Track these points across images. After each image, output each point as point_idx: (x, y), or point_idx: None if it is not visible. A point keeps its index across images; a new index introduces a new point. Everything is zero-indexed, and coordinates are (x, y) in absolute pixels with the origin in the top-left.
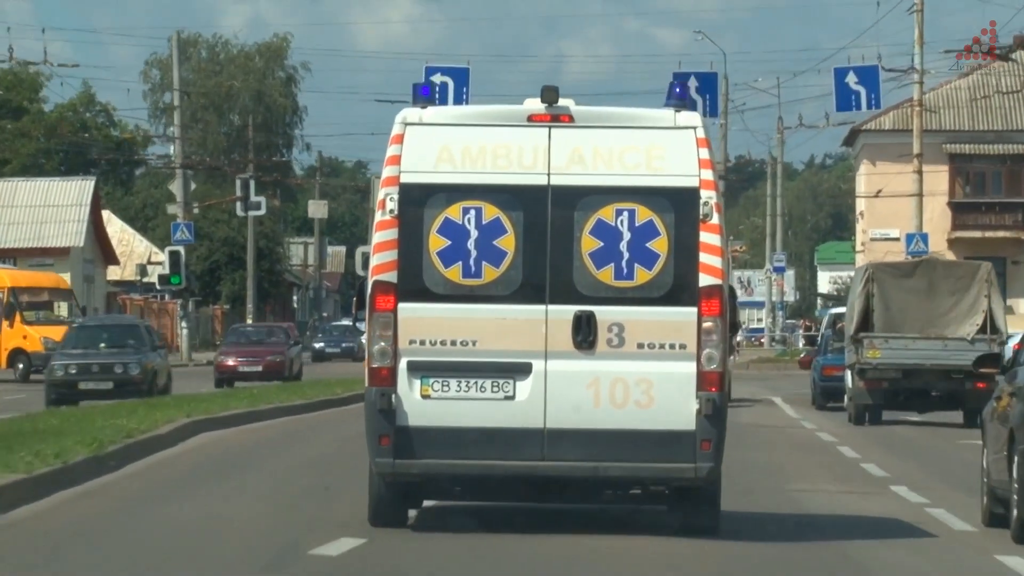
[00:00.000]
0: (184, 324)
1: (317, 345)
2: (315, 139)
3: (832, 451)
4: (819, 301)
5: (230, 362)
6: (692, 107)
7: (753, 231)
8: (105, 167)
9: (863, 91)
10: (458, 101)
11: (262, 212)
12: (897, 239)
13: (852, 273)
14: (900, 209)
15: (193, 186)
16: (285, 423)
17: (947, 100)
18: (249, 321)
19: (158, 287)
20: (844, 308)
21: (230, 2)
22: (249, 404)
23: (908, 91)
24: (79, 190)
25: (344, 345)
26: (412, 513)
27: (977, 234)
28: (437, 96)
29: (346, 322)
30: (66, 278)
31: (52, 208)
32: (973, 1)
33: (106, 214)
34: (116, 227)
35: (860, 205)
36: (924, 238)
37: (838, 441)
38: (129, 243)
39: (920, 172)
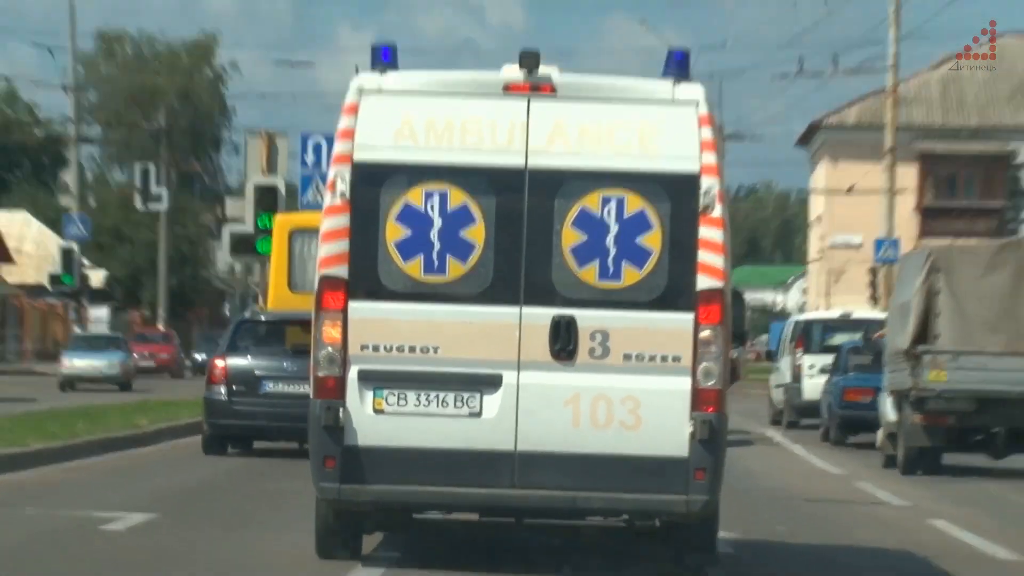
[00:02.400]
0: (77, 329)
1: (200, 356)
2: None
3: None
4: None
5: None
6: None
7: None
8: (29, 168)
9: None
10: None
11: (164, 206)
12: (860, 246)
13: (799, 286)
14: (863, 213)
15: (88, 173)
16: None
17: (917, 93)
18: (160, 328)
19: (49, 288)
20: (804, 315)
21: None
22: None
23: (873, 82)
24: None
25: None
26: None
27: (949, 241)
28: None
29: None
30: None
31: None
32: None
33: (23, 216)
34: (34, 229)
35: (817, 209)
36: (895, 244)
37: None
38: (46, 246)
39: (893, 169)
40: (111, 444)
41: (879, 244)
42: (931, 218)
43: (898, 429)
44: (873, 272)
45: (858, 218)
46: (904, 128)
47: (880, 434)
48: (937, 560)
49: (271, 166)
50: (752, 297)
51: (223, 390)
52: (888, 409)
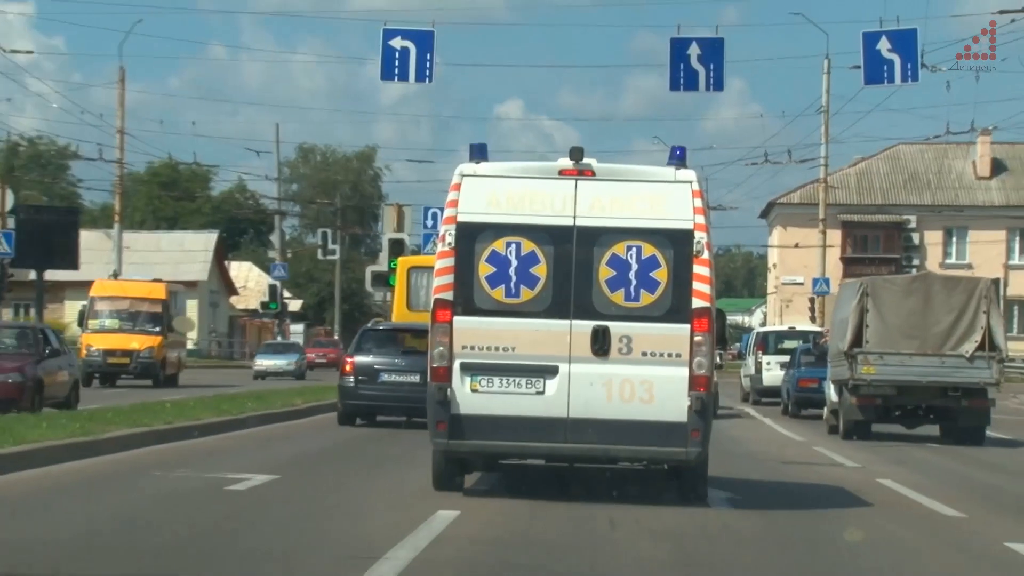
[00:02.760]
0: (280, 339)
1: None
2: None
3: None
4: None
5: None
6: (685, 163)
7: None
8: (252, 233)
9: (897, 59)
10: (421, 68)
11: (336, 257)
12: (802, 284)
13: (759, 319)
14: (804, 263)
15: (288, 236)
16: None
17: (840, 182)
18: (335, 337)
19: (260, 311)
20: (763, 328)
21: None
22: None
23: (811, 174)
24: (206, 240)
25: None
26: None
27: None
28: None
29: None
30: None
31: (186, 252)
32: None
33: (248, 265)
34: (256, 273)
35: (773, 258)
36: (827, 282)
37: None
38: (262, 284)
39: (824, 232)
40: (270, 418)
41: (816, 282)
42: (850, 265)
43: (839, 407)
44: (812, 301)
45: (801, 265)
46: (831, 205)
47: (825, 410)
48: (891, 512)
49: (400, 226)
50: (729, 319)
51: (352, 379)
52: (831, 393)
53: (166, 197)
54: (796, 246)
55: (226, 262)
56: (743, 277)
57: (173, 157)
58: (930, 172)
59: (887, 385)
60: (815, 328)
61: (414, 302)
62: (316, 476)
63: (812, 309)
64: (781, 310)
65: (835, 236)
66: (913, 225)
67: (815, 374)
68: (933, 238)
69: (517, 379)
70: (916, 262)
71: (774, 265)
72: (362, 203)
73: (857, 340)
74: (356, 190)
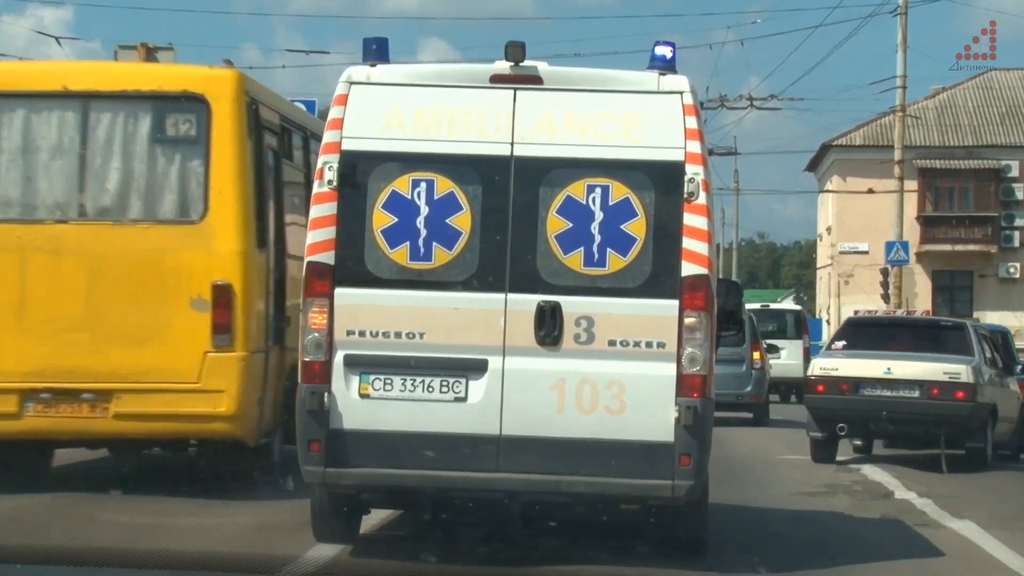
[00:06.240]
0: None
1: None
2: None
3: None
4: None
5: None
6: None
7: None
8: None
9: None
10: None
11: None
12: (867, 252)
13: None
14: (870, 224)
15: None
16: None
17: (916, 117)
18: None
19: None
20: (861, 307)
21: None
22: None
23: (880, 106)
24: None
25: None
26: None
27: (947, 247)
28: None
29: None
30: None
31: None
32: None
33: None
34: None
35: (825, 222)
36: (905, 246)
37: None
38: None
39: (902, 179)
40: None
41: (889, 247)
42: (931, 225)
43: None
44: (884, 273)
45: (863, 228)
46: (905, 147)
47: None
48: None
49: None
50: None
51: None
52: None
53: None
54: (870, 191)
55: None
56: (767, 268)
57: None
58: None
59: None
60: (793, 306)
61: None
62: None
63: (885, 284)
64: (839, 287)
65: (910, 187)
66: (1015, 172)
67: None
68: None
69: (427, 379)
70: (1020, 223)
71: (828, 229)
72: None
73: None
74: None
